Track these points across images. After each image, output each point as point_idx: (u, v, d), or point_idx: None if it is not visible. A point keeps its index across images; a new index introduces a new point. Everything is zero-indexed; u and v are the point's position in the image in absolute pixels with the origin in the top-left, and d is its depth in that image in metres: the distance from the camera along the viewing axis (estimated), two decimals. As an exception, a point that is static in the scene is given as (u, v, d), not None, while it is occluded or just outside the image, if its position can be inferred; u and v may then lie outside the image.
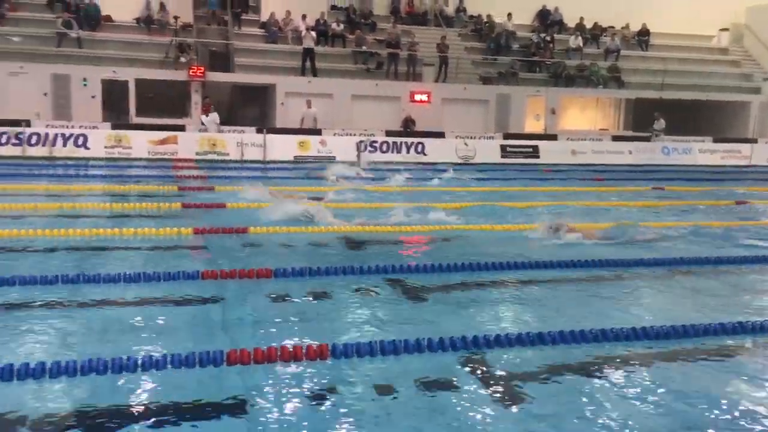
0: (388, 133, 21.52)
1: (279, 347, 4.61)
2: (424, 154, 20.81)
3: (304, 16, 23.27)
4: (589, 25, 27.93)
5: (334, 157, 19.31)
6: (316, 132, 20.82)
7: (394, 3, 26.40)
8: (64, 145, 18.04)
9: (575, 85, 25.77)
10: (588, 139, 23.78)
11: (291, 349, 4.59)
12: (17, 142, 17.70)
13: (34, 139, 17.86)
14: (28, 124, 18.22)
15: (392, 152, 20.70)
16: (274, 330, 5.25)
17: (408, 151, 20.86)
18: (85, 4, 21.75)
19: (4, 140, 17.66)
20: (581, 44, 27.06)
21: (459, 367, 4.61)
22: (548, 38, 26.65)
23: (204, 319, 5.52)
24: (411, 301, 6.26)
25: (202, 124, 19.73)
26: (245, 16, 24.02)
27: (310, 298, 6.16)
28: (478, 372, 4.55)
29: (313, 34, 22.98)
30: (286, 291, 6.26)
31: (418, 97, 23.38)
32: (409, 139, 21.24)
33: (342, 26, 24.32)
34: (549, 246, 8.47)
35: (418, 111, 23.09)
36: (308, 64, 22.54)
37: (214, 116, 19.87)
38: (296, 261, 7.31)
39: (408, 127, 22.55)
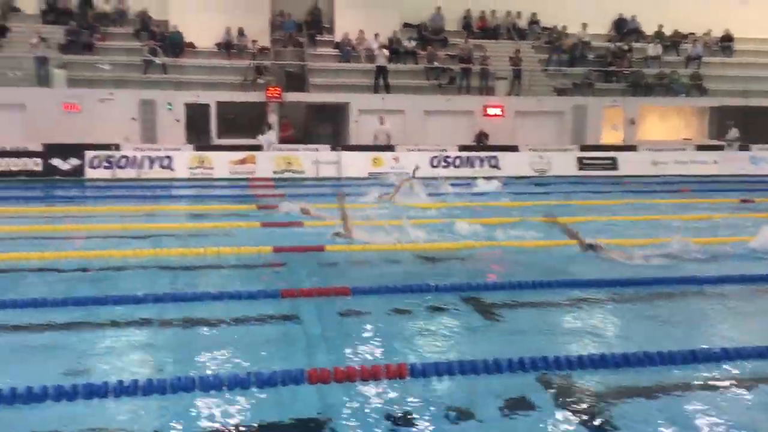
0: (461, 148, 21.46)
1: (358, 366, 4.67)
2: (498, 168, 20.63)
3: (376, 35, 23.58)
4: (668, 32, 27.08)
5: (408, 173, 19.36)
6: (390, 148, 21.00)
7: (465, 18, 26.39)
8: (151, 167, 18.92)
9: (654, 94, 24.98)
10: (670, 149, 22.95)
11: (370, 368, 4.64)
12: (108, 165, 18.69)
13: (123, 162, 18.82)
14: (117, 147, 19.22)
15: (465, 167, 20.63)
16: (352, 348, 5.31)
17: (481, 165, 20.73)
18: (169, 32, 22.81)
19: (96, 163, 18.68)
20: (660, 52, 26.25)
21: (539, 387, 4.54)
22: (625, 47, 25.99)
23: (284, 338, 5.65)
24: (486, 319, 6.20)
25: (265, 142, 20.20)
26: (320, 36, 24.56)
27: (388, 316, 6.21)
28: (559, 393, 4.46)
29: (386, 51, 23.22)
30: (364, 309, 6.33)
31: (491, 111, 23.21)
32: (482, 153, 21.12)
33: (414, 43, 24.49)
34: (623, 263, 8.21)
35: (492, 125, 22.92)
36: (381, 81, 22.79)
37: (271, 135, 20.41)
38: (372, 279, 7.38)
39: (481, 141, 22.43)
